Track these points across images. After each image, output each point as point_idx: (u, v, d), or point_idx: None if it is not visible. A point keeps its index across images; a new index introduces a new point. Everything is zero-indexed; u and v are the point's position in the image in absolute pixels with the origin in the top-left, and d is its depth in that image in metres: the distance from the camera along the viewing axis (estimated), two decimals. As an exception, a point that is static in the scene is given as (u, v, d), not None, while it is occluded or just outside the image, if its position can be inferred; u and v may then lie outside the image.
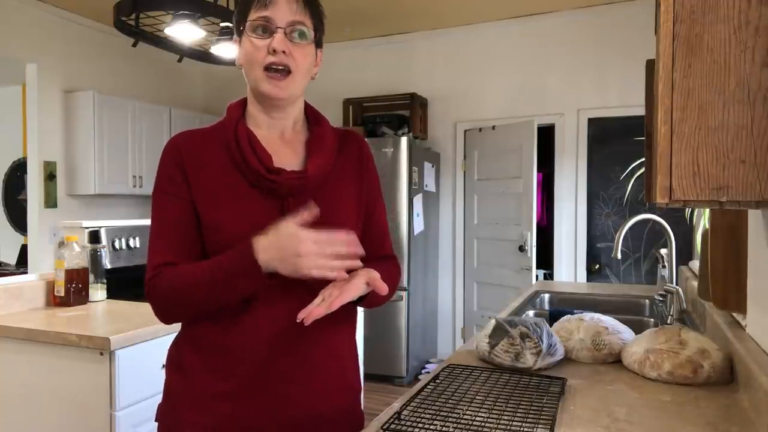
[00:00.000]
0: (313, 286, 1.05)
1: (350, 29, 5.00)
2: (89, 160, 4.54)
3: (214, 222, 1.06)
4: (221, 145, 1.10)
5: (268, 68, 1.06)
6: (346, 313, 1.17)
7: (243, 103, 1.17)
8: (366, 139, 1.34)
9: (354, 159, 1.20)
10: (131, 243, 2.72)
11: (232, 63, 3.08)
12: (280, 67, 1.06)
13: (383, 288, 1.05)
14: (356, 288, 1.03)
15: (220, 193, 1.08)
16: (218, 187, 1.08)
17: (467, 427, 0.99)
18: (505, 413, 1.05)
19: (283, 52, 1.05)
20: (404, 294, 4.42)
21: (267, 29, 1.06)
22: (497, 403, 1.11)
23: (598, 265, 4.62)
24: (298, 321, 0.97)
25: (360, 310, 1.25)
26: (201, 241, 1.08)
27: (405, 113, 4.95)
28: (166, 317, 1.09)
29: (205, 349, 1.08)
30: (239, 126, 1.11)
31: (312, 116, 1.20)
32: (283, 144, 1.14)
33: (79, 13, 4.60)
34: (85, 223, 2.55)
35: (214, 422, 1.07)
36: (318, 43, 1.13)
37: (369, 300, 1.11)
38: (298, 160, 1.13)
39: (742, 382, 1.21)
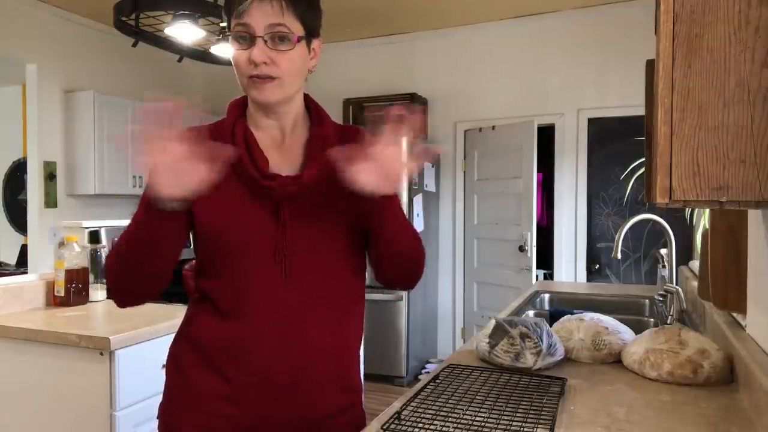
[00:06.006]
0: (314, 286, 1.06)
1: (351, 29, 5.00)
2: (89, 160, 4.53)
3: (209, 225, 1.06)
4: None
5: (251, 77, 1.03)
6: (348, 313, 1.17)
7: (244, 101, 1.14)
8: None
9: None
10: (131, 243, 2.72)
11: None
12: (264, 77, 1.02)
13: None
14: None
15: (214, 195, 1.06)
16: (213, 189, 1.07)
17: (467, 427, 1.00)
18: (505, 413, 1.05)
19: (264, 63, 1.01)
20: (404, 294, 4.42)
21: (246, 38, 1.01)
22: (497, 403, 1.11)
23: (598, 265, 4.62)
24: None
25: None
26: (181, 241, 1.08)
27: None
28: (117, 294, 1.09)
29: (204, 349, 1.08)
30: (237, 126, 1.09)
31: (315, 114, 1.15)
32: (282, 145, 1.12)
33: (78, 13, 4.59)
34: (85, 223, 2.55)
35: (212, 423, 1.07)
36: (310, 34, 1.06)
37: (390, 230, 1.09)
38: (296, 163, 1.10)
39: (742, 382, 1.21)
